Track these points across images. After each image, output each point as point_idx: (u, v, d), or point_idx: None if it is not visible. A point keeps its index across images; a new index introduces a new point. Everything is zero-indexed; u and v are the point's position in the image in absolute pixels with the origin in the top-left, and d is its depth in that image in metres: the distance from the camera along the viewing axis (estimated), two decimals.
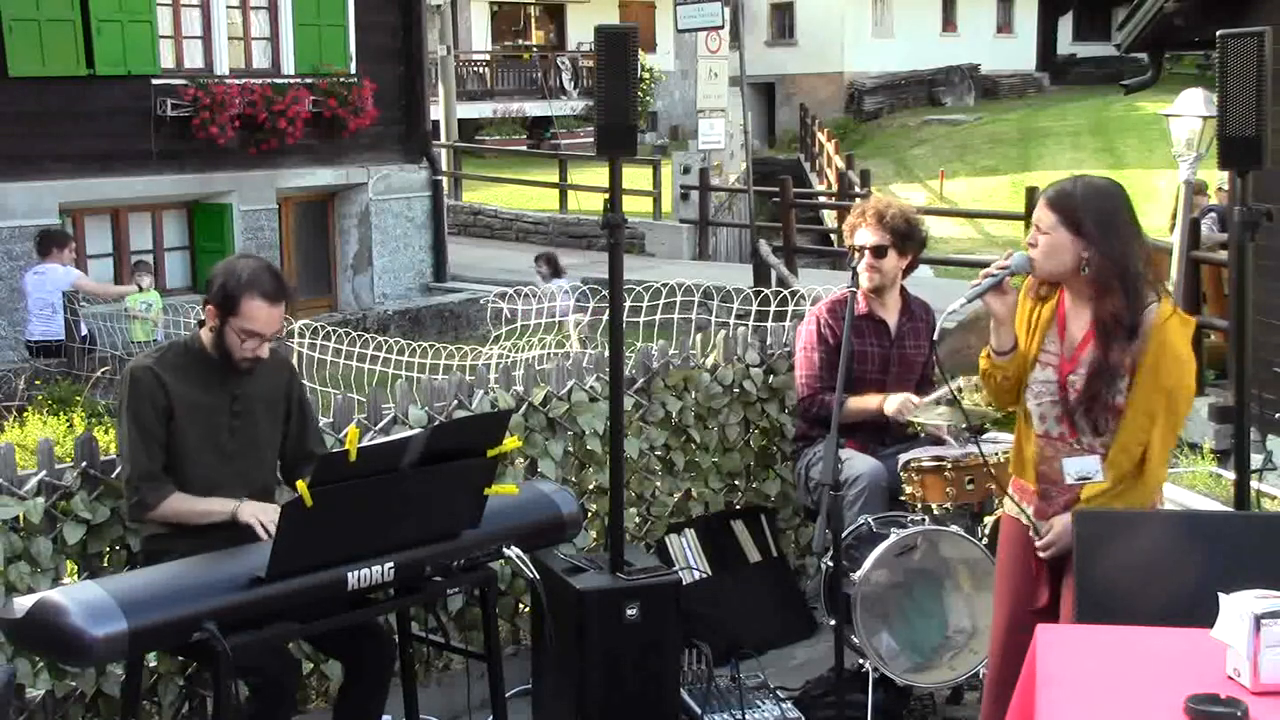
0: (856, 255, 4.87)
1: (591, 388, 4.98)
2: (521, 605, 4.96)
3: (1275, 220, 3.75)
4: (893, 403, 4.76)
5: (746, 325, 6.37)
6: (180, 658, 3.98)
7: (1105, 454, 3.46)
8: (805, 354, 4.97)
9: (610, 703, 4.18)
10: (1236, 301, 3.92)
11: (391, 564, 3.53)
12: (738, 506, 5.54)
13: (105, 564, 4.03)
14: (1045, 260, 3.44)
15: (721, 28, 17.43)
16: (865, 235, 4.86)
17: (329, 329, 8.31)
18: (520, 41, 35.20)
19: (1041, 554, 3.56)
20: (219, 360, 3.84)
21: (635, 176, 18.65)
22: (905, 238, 4.89)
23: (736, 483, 5.57)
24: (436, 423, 4.50)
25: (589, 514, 4.99)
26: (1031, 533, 3.59)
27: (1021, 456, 3.64)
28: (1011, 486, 3.70)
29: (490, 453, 3.66)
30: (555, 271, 13.01)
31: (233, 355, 3.81)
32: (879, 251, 4.86)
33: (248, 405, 3.90)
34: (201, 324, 3.88)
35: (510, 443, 3.78)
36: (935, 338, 4.16)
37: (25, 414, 7.86)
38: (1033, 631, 3.52)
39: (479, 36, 33.48)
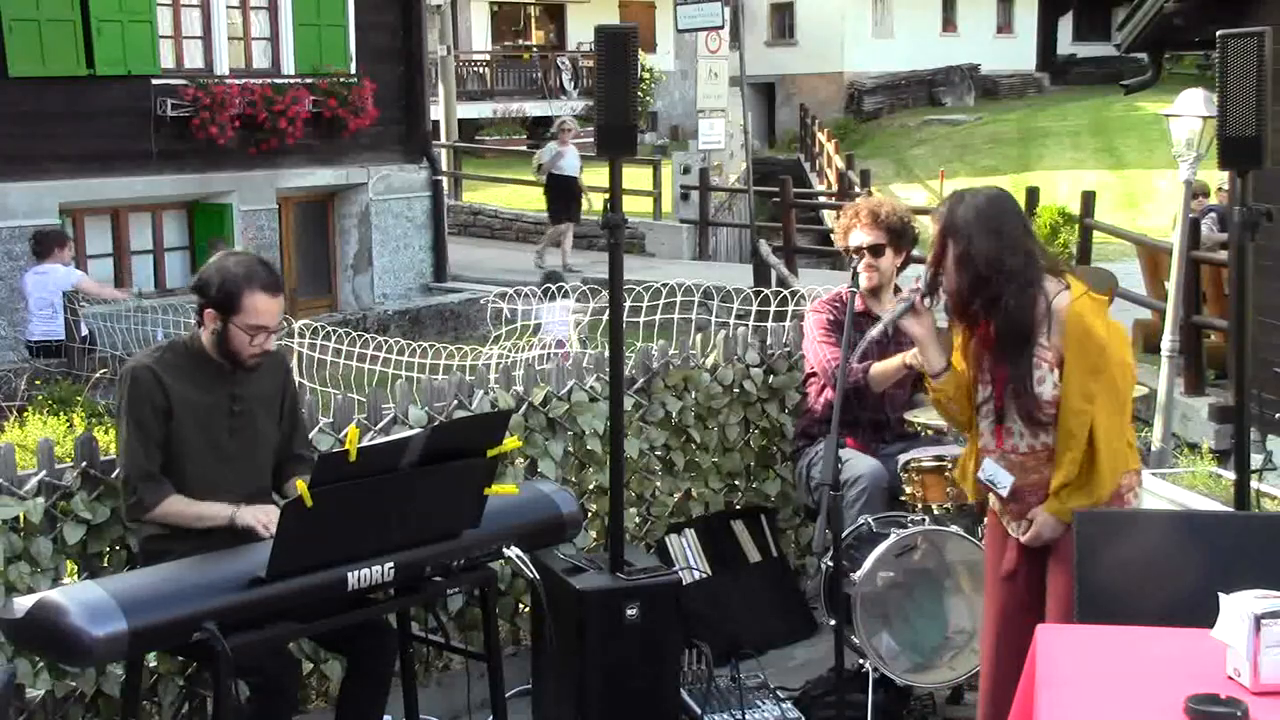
0: (854, 256, 4.87)
1: (591, 388, 4.98)
2: (521, 605, 4.96)
3: (1275, 220, 3.75)
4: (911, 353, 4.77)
5: (746, 325, 6.37)
6: (180, 658, 3.98)
7: (1052, 449, 3.51)
8: (821, 341, 4.97)
9: (610, 703, 4.18)
10: (1236, 301, 3.92)
11: (391, 564, 3.53)
12: (738, 506, 5.54)
13: (105, 564, 4.03)
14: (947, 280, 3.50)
15: (721, 28, 17.41)
16: (861, 236, 4.86)
17: (329, 329, 8.29)
18: (520, 41, 35.19)
19: (1024, 541, 3.62)
20: (219, 361, 3.83)
21: (635, 176, 18.65)
22: (900, 235, 4.91)
23: (736, 483, 5.56)
24: (436, 423, 4.50)
25: (589, 514, 5.00)
26: (1003, 519, 3.69)
27: (966, 472, 3.78)
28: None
29: (490, 453, 3.66)
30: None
31: (241, 354, 3.80)
32: (876, 251, 4.87)
33: (247, 405, 3.89)
34: (200, 324, 3.87)
35: (510, 443, 3.78)
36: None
37: (25, 414, 7.83)
38: (1021, 630, 3.58)
39: (479, 36, 33.47)
